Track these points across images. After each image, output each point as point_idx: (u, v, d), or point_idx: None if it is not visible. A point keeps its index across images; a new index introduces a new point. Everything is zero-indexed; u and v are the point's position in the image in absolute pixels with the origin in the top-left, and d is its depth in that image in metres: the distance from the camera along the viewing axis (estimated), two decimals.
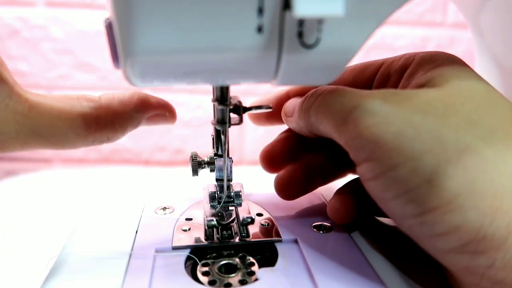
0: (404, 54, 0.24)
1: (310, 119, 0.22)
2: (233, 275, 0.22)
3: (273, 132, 0.31)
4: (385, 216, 0.22)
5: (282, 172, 0.28)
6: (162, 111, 0.26)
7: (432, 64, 0.21)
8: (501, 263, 0.16)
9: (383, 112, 0.18)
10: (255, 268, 0.22)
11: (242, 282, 0.21)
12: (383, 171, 0.18)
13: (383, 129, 0.17)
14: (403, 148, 0.17)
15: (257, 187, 0.31)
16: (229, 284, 0.21)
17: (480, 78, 0.20)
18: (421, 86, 0.20)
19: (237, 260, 0.23)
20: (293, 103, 0.25)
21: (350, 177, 0.29)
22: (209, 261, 0.23)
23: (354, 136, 0.19)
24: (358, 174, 0.20)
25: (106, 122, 0.23)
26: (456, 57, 0.22)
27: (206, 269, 0.22)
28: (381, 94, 0.19)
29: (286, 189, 0.27)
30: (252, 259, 0.23)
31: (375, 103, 0.18)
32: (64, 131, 0.22)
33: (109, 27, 0.17)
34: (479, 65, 0.35)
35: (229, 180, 0.26)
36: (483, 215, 0.16)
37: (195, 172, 0.26)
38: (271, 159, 0.29)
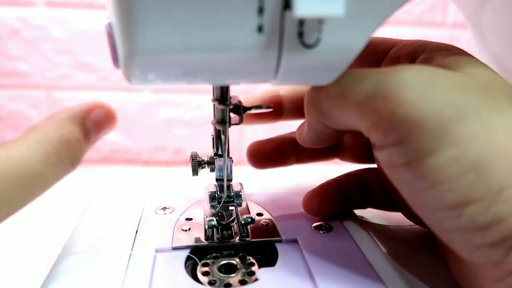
0: (417, 40, 0.22)
1: (322, 109, 0.19)
2: (233, 275, 0.22)
3: (273, 133, 0.31)
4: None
5: (256, 141, 0.27)
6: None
7: (449, 51, 0.20)
8: None
9: (421, 86, 0.15)
10: (255, 268, 0.22)
11: (242, 282, 0.21)
12: (418, 156, 0.15)
13: (422, 107, 0.15)
14: (447, 130, 0.15)
15: (257, 187, 0.31)
16: (229, 284, 0.21)
17: (489, 68, 0.19)
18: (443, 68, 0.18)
19: (237, 260, 0.23)
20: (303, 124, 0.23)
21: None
22: (209, 261, 0.23)
23: (382, 116, 0.16)
24: (379, 158, 0.17)
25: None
26: (462, 49, 0.21)
27: (206, 269, 0.22)
28: (415, 67, 0.16)
29: (256, 156, 0.27)
30: (252, 259, 0.23)
31: (409, 75, 0.16)
32: None
33: (109, 27, 0.17)
34: None
35: (229, 180, 0.26)
36: None
37: (195, 172, 0.26)
38: (258, 156, 0.28)
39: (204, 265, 0.22)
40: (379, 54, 0.24)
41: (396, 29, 0.62)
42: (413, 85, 0.15)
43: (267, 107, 0.24)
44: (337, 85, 0.18)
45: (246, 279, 0.21)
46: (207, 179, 0.28)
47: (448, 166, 0.15)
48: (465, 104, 0.15)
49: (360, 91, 0.17)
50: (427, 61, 0.20)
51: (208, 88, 0.23)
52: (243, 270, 0.22)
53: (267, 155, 0.28)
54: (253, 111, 0.24)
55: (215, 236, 0.24)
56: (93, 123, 0.22)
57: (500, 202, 0.14)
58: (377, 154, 0.17)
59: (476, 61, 0.19)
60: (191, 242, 0.24)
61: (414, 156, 0.16)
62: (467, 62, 0.18)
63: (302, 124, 0.24)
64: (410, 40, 0.23)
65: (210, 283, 0.21)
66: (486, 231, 0.15)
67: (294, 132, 0.27)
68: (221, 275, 0.22)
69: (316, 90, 0.20)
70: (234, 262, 0.23)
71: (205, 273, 0.22)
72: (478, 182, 0.15)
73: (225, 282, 0.21)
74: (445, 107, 0.15)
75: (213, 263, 0.22)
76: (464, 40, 0.63)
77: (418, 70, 0.16)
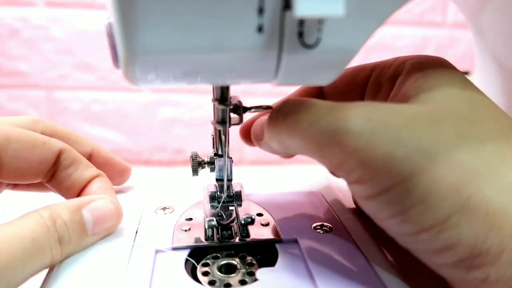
0: (396, 59, 0.23)
1: (284, 142, 0.20)
2: (233, 275, 0.22)
3: None
4: None
5: (248, 120, 0.27)
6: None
7: (421, 73, 0.20)
8: (495, 276, 0.16)
9: (369, 131, 0.17)
10: (255, 268, 0.22)
11: (242, 282, 0.21)
12: (375, 193, 0.17)
13: (372, 152, 0.16)
14: (394, 170, 0.16)
15: (257, 187, 0.31)
16: (229, 284, 0.21)
17: (468, 85, 0.20)
18: (409, 97, 0.20)
19: (237, 260, 0.23)
20: (260, 124, 0.24)
21: None
22: (209, 261, 0.23)
23: (341, 161, 0.18)
24: (350, 190, 0.19)
25: None
26: (446, 62, 0.22)
27: (206, 269, 0.22)
28: (361, 109, 0.18)
29: (247, 135, 0.26)
30: (252, 259, 0.23)
31: (358, 122, 0.17)
32: None
33: (109, 27, 0.17)
34: (479, 65, 0.35)
35: (229, 180, 0.26)
36: (477, 232, 0.15)
37: (195, 172, 0.26)
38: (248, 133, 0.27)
39: (204, 265, 0.22)
40: (361, 82, 0.25)
41: (396, 29, 0.62)
42: (362, 132, 0.17)
43: (267, 107, 0.24)
44: (296, 124, 0.19)
45: (246, 279, 0.21)
46: (207, 179, 0.28)
47: (400, 200, 0.16)
48: (410, 142, 0.16)
49: (318, 137, 0.18)
50: (401, 85, 0.21)
51: (208, 88, 0.23)
52: (243, 270, 0.22)
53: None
54: (253, 111, 0.24)
55: (215, 236, 0.24)
56: (90, 213, 0.22)
57: (448, 228, 0.16)
58: (348, 186, 0.19)
59: (448, 81, 0.19)
60: (191, 242, 0.24)
61: (372, 193, 0.17)
62: (437, 85, 0.19)
63: (258, 125, 0.24)
64: (389, 61, 0.24)
65: (210, 283, 0.21)
66: (442, 254, 0.16)
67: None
68: (221, 275, 0.22)
69: (276, 125, 0.21)
70: (234, 262, 0.23)
71: (205, 273, 0.22)
72: (426, 213, 0.16)
73: (225, 282, 0.21)
74: (391, 149, 0.16)
75: (213, 263, 0.22)
76: (464, 40, 0.63)
77: (368, 114, 0.17)
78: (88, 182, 0.26)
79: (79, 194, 0.26)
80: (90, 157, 0.29)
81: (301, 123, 0.19)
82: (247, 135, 0.27)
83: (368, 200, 0.18)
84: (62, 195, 0.27)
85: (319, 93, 0.27)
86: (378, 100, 0.24)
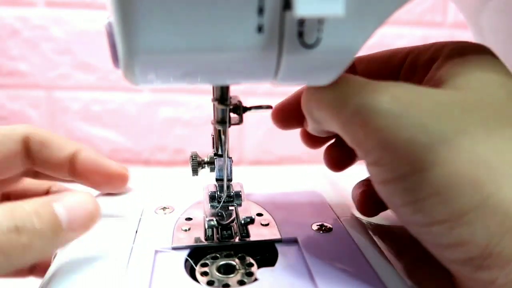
0: (433, 44, 0.22)
1: (314, 117, 0.20)
2: (231, 275, 0.22)
3: (273, 132, 0.31)
4: None
5: (279, 103, 0.27)
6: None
7: (460, 58, 0.19)
8: (504, 281, 0.15)
9: (394, 113, 0.16)
10: (254, 268, 0.22)
11: (241, 282, 0.21)
12: (392, 178, 0.17)
13: (394, 134, 0.16)
14: (415, 157, 0.16)
15: (257, 187, 0.31)
16: (228, 285, 0.21)
17: (509, 74, 0.19)
18: (444, 82, 0.19)
19: (236, 260, 0.23)
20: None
21: None
22: (208, 261, 0.23)
23: (361, 139, 0.17)
24: (368, 171, 0.19)
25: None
26: (487, 49, 0.20)
27: (205, 269, 0.22)
28: (391, 89, 0.17)
29: (281, 118, 0.26)
30: (251, 260, 0.23)
31: (384, 101, 0.16)
32: None
33: (109, 26, 0.17)
34: None
35: (229, 180, 0.26)
36: (492, 233, 0.15)
37: (195, 172, 0.26)
38: (283, 115, 0.27)
39: (203, 265, 0.22)
40: (396, 66, 0.24)
41: (396, 29, 0.62)
42: (388, 112, 0.16)
43: (267, 107, 0.24)
44: (327, 97, 0.19)
45: (245, 279, 0.21)
46: (207, 179, 0.28)
47: (416, 188, 0.16)
48: (435, 130, 0.16)
49: (343, 111, 0.18)
50: (438, 69, 0.20)
51: (208, 88, 0.23)
52: (242, 271, 0.22)
53: (291, 115, 0.26)
54: (253, 111, 0.24)
55: (215, 236, 0.24)
56: (63, 206, 0.20)
57: (462, 225, 0.15)
58: (366, 166, 0.19)
59: (486, 70, 0.18)
60: (191, 242, 0.24)
61: (389, 177, 0.17)
62: (474, 73, 0.18)
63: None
64: (426, 45, 0.23)
65: (208, 283, 0.21)
66: (452, 249, 0.16)
67: None
68: (220, 275, 0.22)
69: (308, 97, 0.20)
70: (233, 262, 0.23)
71: (204, 274, 0.22)
72: (441, 206, 0.16)
73: (224, 282, 0.21)
74: (415, 135, 0.16)
75: (212, 263, 0.22)
76: (463, 40, 0.63)
77: (397, 94, 0.17)
78: (72, 158, 0.24)
79: (73, 174, 0.25)
80: (71, 164, 0.26)
81: (327, 96, 0.18)
82: (279, 117, 0.27)
83: (383, 185, 0.17)
84: (62, 181, 0.26)
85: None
86: (417, 81, 0.23)
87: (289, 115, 0.26)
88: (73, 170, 0.26)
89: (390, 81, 0.18)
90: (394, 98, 0.16)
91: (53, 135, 0.26)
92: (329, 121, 0.19)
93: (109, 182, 0.28)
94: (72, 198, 0.20)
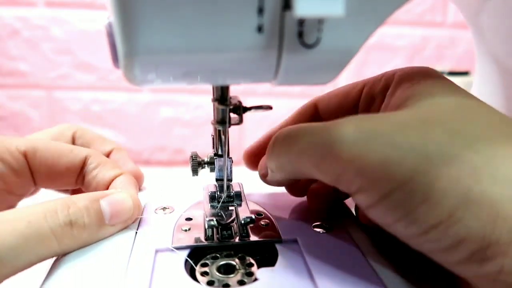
0: (384, 73, 0.24)
1: (284, 166, 0.21)
2: (231, 275, 0.21)
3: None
4: None
5: (250, 146, 0.29)
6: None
7: (409, 83, 0.21)
8: (510, 267, 0.16)
9: (362, 139, 0.17)
10: (254, 268, 0.22)
11: (241, 282, 0.21)
12: (378, 199, 0.17)
13: (368, 159, 0.17)
14: (392, 174, 0.16)
15: (257, 187, 0.31)
16: (228, 285, 0.21)
17: (456, 90, 0.20)
18: (398, 106, 0.20)
19: (236, 260, 0.23)
20: (264, 162, 0.24)
21: None
22: (208, 261, 0.23)
23: (339, 172, 0.18)
24: (355, 202, 0.19)
25: None
26: (433, 71, 0.22)
27: (205, 269, 0.22)
28: (353, 121, 0.18)
29: (253, 161, 0.28)
30: (251, 260, 0.23)
31: (349, 132, 0.17)
32: None
33: (109, 26, 0.17)
34: (479, 65, 0.35)
35: (229, 180, 0.26)
36: (484, 223, 0.16)
37: (195, 172, 0.26)
38: (254, 158, 0.29)
39: (203, 265, 0.22)
40: (353, 99, 0.26)
41: (396, 29, 0.62)
42: (355, 140, 0.17)
43: (267, 107, 0.24)
44: (293, 145, 0.20)
45: (245, 279, 0.21)
46: (207, 179, 0.28)
47: (403, 202, 0.17)
48: (404, 144, 0.17)
49: (314, 153, 0.19)
50: (390, 96, 0.22)
51: (208, 88, 0.23)
52: (242, 271, 0.22)
53: (262, 158, 0.29)
54: (253, 111, 0.24)
55: (215, 236, 0.24)
56: (107, 203, 0.23)
57: (455, 223, 0.16)
58: (352, 197, 0.19)
59: (437, 88, 0.20)
60: (191, 242, 0.24)
61: (375, 199, 0.17)
62: (425, 92, 0.20)
63: (262, 162, 0.25)
64: (378, 76, 0.24)
65: (208, 283, 0.21)
66: (454, 250, 0.17)
67: (281, 125, 0.29)
68: (220, 275, 0.22)
69: (275, 148, 0.21)
70: (233, 262, 0.23)
71: (204, 274, 0.22)
72: (430, 211, 0.16)
73: (224, 282, 0.21)
74: (386, 154, 0.17)
75: (212, 263, 0.22)
76: (464, 40, 0.63)
77: (359, 124, 0.18)
78: (112, 180, 0.27)
79: None
80: (108, 155, 0.31)
81: (298, 143, 0.19)
82: (250, 160, 0.29)
83: (372, 208, 0.18)
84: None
85: (315, 114, 0.28)
86: (372, 113, 0.24)
87: (261, 158, 0.28)
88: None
89: (349, 116, 0.19)
90: (357, 127, 0.18)
91: (105, 158, 0.29)
92: (302, 167, 0.20)
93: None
94: (117, 196, 0.24)
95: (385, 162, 0.17)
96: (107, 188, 0.27)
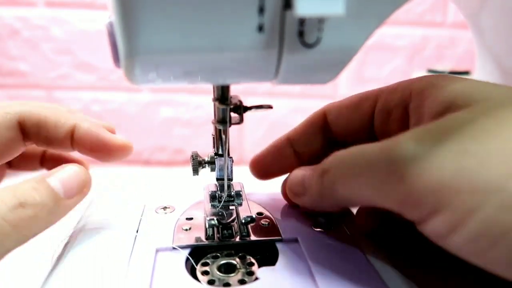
0: (398, 85, 0.23)
1: (338, 193, 0.19)
2: (232, 274, 0.22)
3: (273, 132, 0.31)
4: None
5: (256, 155, 0.28)
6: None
7: (439, 89, 0.19)
8: None
9: (430, 152, 0.15)
10: (255, 267, 0.22)
11: (242, 282, 0.21)
12: (462, 218, 0.14)
13: (441, 172, 0.14)
14: (477, 182, 0.14)
15: (257, 186, 0.31)
16: (228, 284, 0.21)
17: (494, 84, 0.19)
18: (443, 112, 0.18)
19: (237, 259, 0.23)
20: (299, 177, 0.23)
21: None
22: (208, 260, 0.23)
23: (407, 194, 0.15)
24: (426, 233, 0.16)
25: None
26: (448, 76, 0.21)
27: (205, 268, 0.22)
28: (409, 135, 0.16)
29: (259, 171, 0.28)
30: (252, 259, 0.23)
31: (411, 147, 0.15)
32: None
33: (110, 26, 0.17)
34: (479, 65, 0.35)
35: (230, 179, 0.26)
36: None
37: (195, 172, 0.26)
38: (261, 167, 0.29)
39: (204, 264, 0.22)
40: (367, 111, 0.24)
41: (396, 29, 0.62)
42: (423, 152, 0.15)
43: (268, 107, 0.24)
44: (351, 170, 0.18)
45: (246, 278, 0.21)
46: (208, 179, 0.28)
47: (499, 216, 0.14)
48: (478, 148, 0.15)
49: (373, 177, 0.17)
50: (419, 108, 0.20)
51: (208, 87, 0.23)
52: (243, 270, 0.22)
53: (269, 167, 0.29)
54: (253, 110, 0.24)
55: (216, 235, 0.24)
56: (56, 179, 0.22)
57: None
58: (421, 229, 0.16)
59: (478, 85, 0.18)
60: (191, 241, 0.24)
61: (459, 218, 0.14)
62: (468, 91, 0.18)
63: (296, 180, 0.23)
64: (390, 88, 0.23)
65: (209, 282, 0.21)
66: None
67: (290, 134, 0.28)
68: (221, 274, 0.22)
69: (329, 174, 0.20)
70: (233, 261, 0.23)
71: (204, 273, 0.22)
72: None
73: (225, 281, 0.21)
74: (464, 160, 0.14)
75: (213, 262, 0.23)
76: (464, 40, 0.63)
77: (417, 138, 0.16)
78: (71, 134, 0.25)
79: (74, 148, 0.26)
80: (71, 139, 0.26)
81: (355, 167, 0.18)
82: (257, 169, 0.28)
83: (455, 233, 0.15)
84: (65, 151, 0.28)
85: (324, 124, 0.27)
86: (391, 126, 0.23)
87: (268, 167, 0.29)
88: (74, 144, 0.26)
89: (405, 131, 0.17)
90: (418, 141, 0.16)
91: (48, 113, 0.25)
92: (361, 193, 0.18)
93: (111, 155, 0.28)
94: (64, 171, 0.22)
95: (464, 170, 0.14)
96: (70, 143, 0.25)
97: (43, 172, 0.23)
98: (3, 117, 0.24)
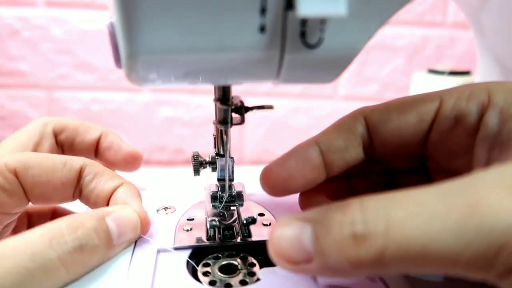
0: (468, 88, 0.19)
1: (391, 267, 0.13)
2: (233, 275, 0.22)
3: (273, 132, 0.31)
4: None
5: (270, 165, 0.22)
6: None
7: None
8: None
9: None
10: (256, 268, 0.22)
11: (243, 282, 0.21)
12: None
13: None
14: None
15: (258, 187, 0.31)
16: (229, 285, 0.21)
17: None
18: None
19: (238, 260, 0.23)
20: (291, 234, 0.15)
21: None
22: (210, 261, 0.23)
23: (508, 268, 0.12)
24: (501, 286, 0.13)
25: None
26: None
27: (207, 269, 0.22)
28: (498, 190, 0.13)
29: (275, 187, 0.22)
30: (253, 260, 0.23)
31: (507, 208, 0.12)
32: None
33: (111, 26, 0.17)
34: (480, 65, 0.35)
35: (231, 180, 0.26)
36: None
37: (196, 172, 0.26)
38: (277, 179, 0.22)
39: (205, 265, 0.22)
40: (425, 116, 0.20)
41: (396, 29, 0.62)
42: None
43: (269, 107, 0.24)
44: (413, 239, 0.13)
45: (247, 279, 0.21)
46: (208, 179, 0.27)
47: None
48: None
49: (465, 251, 0.13)
50: (501, 128, 0.17)
51: (208, 87, 0.23)
52: (244, 271, 0.22)
53: (288, 178, 0.22)
54: (254, 111, 0.24)
55: (217, 236, 0.24)
56: (114, 221, 0.21)
57: None
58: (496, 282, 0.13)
59: None
60: (192, 242, 0.24)
61: None
62: None
63: (292, 243, 0.15)
64: (461, 89, 0.20)
65: (210, 283, 0.21)
66: None
67: (318, 137, 0.22)
68: (222, 275, 0.22)
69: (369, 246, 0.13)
70: (234, 262, 0.23)
71: (205, 274, 0.22)
72: None
73: (226, 282, 0.21)
74: None
75: (214, 263, 0.22)
76: (464, 40, 0.63)
77: (508, 190, 0.13)
78: (113, 192, 0.25)
79: (106, 205, 0.25)
80: (98, 142, 0.30)
81: (450, 244, 0.13)
82: (273, 180, 0.22)
83: None
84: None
85: (362, 130, 0.21)
86: (455, 139, 0.20)
87: (286, 178, 0.22)
88: (97, 152, 0.30)
89: (481, 182, 0.13)
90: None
91: (101, 167, 0.26)
92: (437, 268, 0.13)
93: (127, 163, 0.30)
94: (122, 212, 0.22)
95: None
96: (107, 201, 0.24)
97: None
98: (69, 163, 0.25)
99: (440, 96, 0.20)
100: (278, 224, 0.15)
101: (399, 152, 0.22)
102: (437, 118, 0.20)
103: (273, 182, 0.22)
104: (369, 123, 0.21)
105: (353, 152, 0.21)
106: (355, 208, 0.14)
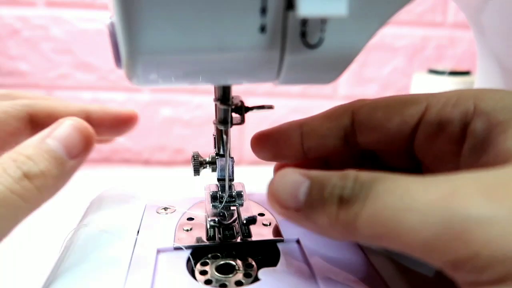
0: (457, 95, 0.19)
1: (357, 232, 0.15)
2: (230, 275, 0.22)
3: None
4: None
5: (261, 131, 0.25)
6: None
7: (507, 113, 0.16)
8: None
9: (506, 216, 0.12)
10: (253, 269, 0.22)
11: (239, 283, 0.21)
12: None
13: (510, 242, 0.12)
14: None
15: (258, 187, 0.31)
16: (225, 285, 0.21)
17: None
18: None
19: (237, 260, 0.23)
20: (291, 184, 0.17)
21: None
22: (208, 260, 0.23)
23: (462, 257, 0.13)
24: None
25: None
26: None
27: (204, 268, 0.22)
28: (477, 192, 0.13)
29: (260, 145, 0.25)
30: (251, 260, 0.23)
31: (483, 210, 0.13)
32: None
33: (111, 26, 0.17)
34: (480, 65, 0.35)
35: (231, 180, 0.26)
36: None
37: (196, 172, 0.26)
38: (263, 146, 0.25)
39: (203, 264, 0.22)
40: (410, 119, 0.20)
41: (396, 29, 0.62)
42: (492, 223, 0.13)
43: (269, 107, 0.24)
44: (382, 211, 0.14)
45: (243, 280, 0.21)
46: (208, 179, 0.27)
47: None
48: None
49: (424, 231, 0.13)
50: (486, 137, 0.17)
51: (209, 87, 0.23)
52: (241, 271, 0.22)
53: (271, 147, 0.25)
54: (255, 111, 0.24)
55: (217, 236, 0.24)
56: (55, 139, 0.20)
57: None
58: (468, 284, 0.14)
59: None
60: (192, 242, 0.24)
61: None
62: None
63: (289, 187, 0.17)
64: (447, 95, 0.20)
65: (206, 282, 0.21)
66: None
67: (304, 121, 0.24)
68: (219, 275, 0.22)
69: (348, 209, 0.15)
70: (232, 262, 0.23)
71: (203, 272, 0.22)
72: None
73: (221, 282, 0.21)
74: None
75: (212, 262, 0.23)
76: (464, 40, 0.63)
77: (490, 200, 0.13)
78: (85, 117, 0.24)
79: None
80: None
81: (398, 212, 0.14)
82: (260, 145, 0.25)
83: None
84: None
85: (348, 124, 0.22)
86: (439, 145, 0.20)
87: (270, 147, 0.25)
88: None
89: (459, 175, 0.14)
90: (488, 199, 0.13)
91: (56, 105, 0.25)
92: (399, 242, 0.14)
93: (128, 125, 0.30)
94: (61, 128, 0.21)
95: None
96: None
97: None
98: (13, 108, 0.24)
99: (427, 100, 0.20)
100: (283, 172, 0.18)
101: (386, 149, 0.23)
102: (421, 122, 0.20)
103: (260, 147, 0.25)
104: (355, 118, 0.22)
105: (332, 142, 0.23)
106: (351, 176, 0.16)
